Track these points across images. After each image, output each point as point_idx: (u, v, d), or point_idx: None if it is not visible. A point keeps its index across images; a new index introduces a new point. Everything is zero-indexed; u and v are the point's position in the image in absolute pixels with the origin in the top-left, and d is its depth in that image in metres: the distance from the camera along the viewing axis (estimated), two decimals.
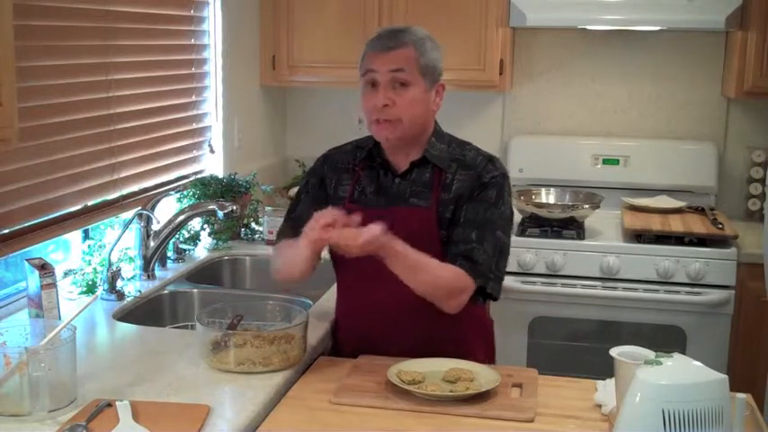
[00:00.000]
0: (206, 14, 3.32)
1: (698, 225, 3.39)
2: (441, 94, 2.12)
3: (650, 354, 1.64)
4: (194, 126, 3.28)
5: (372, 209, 2.06)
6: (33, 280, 2.18)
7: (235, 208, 2.69)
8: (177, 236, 2.88)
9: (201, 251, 3.05)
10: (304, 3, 3.68)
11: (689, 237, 3.29)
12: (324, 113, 4.11)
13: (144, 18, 2.87)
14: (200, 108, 3.33)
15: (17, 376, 1.66)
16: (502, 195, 2.09)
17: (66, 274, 2.55)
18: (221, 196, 3.04)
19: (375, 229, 1.85)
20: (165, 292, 2.66)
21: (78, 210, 2.57)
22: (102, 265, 2.53)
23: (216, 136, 3.45)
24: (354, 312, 2.19)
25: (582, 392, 1.92)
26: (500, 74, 3.59)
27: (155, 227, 2.72)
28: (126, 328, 2.30)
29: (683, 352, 2.50)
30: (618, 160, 3.77)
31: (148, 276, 2.70)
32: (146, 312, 2.52)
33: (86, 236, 2.74)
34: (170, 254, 2.88)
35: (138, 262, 2.71)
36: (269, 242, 3.15)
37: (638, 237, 3.33)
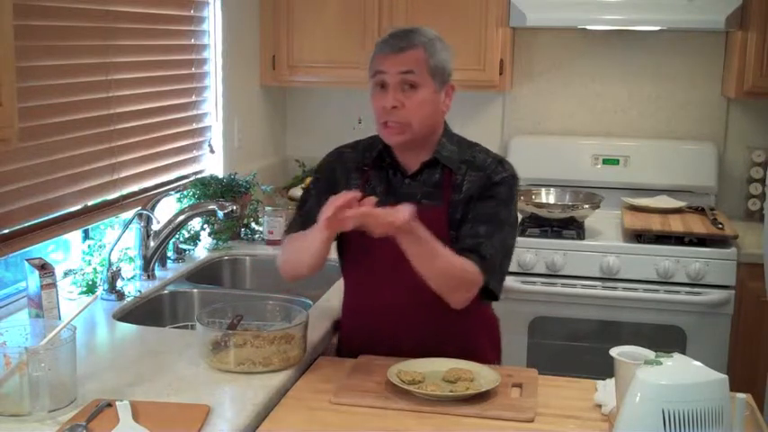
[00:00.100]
0: (206, 14, 3.32)
1: (698, 225, 3.39)
2: (450, 96, 2.10)
3: (650, 354, 1.64)
4: (194, 126, 3.28)
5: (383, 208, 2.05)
6: (33, 280, 2.18)
7: (235, 208, 2.69)
8: (177, 236, 2.88)
9: (201, 251, 3.05)
10: (304, 3, 3.68)
11: (689, 237, 3.29)
12: (324, 113, 4.11)
13: (144, 18, 2.87)
14: (200, 108, 3.33)
15: (17, 376, 1.66)
16: (511, 195, 2.09)
17: (66, 274, 2.55)
18: (221, 196, 3.04)
19: (407, 209, 1.85)
20: (165, 292, 2.66)
21: (78, 210, 2.57)
22: (102, 265, 2.53)
23: (216, 136, 3.45)
24: (364, 310, 2.18)
25: (582, 392, 1.92)
26: (500, 74, 3.59)
27: (155, 227, 2.72)
28: (126, 328, 2.30)
29: (683, 352, 2.50)
30: (618, 160, 3.77)
31: (148, 276, 2.70)
32: (146, 312, 2.52)
33: (86, 236, 2.74)
34: (170, 254, 2.88)
35: (138, 262, 2.71)
36: (269, 242, 3.15)
37: (638, 237, 3.33)
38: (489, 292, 2.05)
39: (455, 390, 1.86)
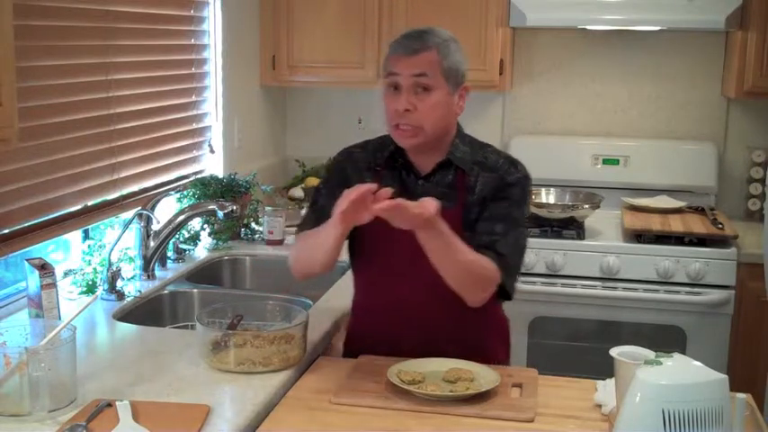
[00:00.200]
0: (206, 14, 3.32)
1: (698, 225, 3.39)
2: (464, 97, 2.08)
3: (650, 354, 1.64)
4: (194, 126, 3.28)
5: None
6: (33, 280, 2.18)
7: (235, 208, 2.68)
8: (177, 236, 2.88)
9: (201, 251, 3.05)
10: (304, 3, 3.68)
11: (689, 237, 3.29)
12: (324, 113, 4.11)
13: (144, 18, 2.87)
14: (200, 108, 3.33)
15: (17, 376, 1.66)
16: (524, 196, 2.08)
17: (66, 274, 2.55)
18: (221, 196, 3.04)
19: (433, 203, 1.84)
20: (165, 292, 2.66)
21: (78, 210, 2.57)
22: (102, 265, 2.53)
23: (216, 136, 3.45)
24: (377, 308, 2.16)
25: (582, 392, 1.92)
26: (500, 74, 3.59)
27: (155, 227, 2.72)
28: (126, 328, 2.30)
29: (683, 352, 2.50)
30: (618, 160, 3.77)
31: (148, 276, 2.70)
32: (146, 312, 2.52)
33: (86, 236, 2.74)
34: (170, 254, 2.88)
35: (138, 262, 2.71)
36: (269, 242, 3.15)
37: (638, 237, 3.33)
38: (503, 292, 2.05)
39: (455, 390, 1.85)
